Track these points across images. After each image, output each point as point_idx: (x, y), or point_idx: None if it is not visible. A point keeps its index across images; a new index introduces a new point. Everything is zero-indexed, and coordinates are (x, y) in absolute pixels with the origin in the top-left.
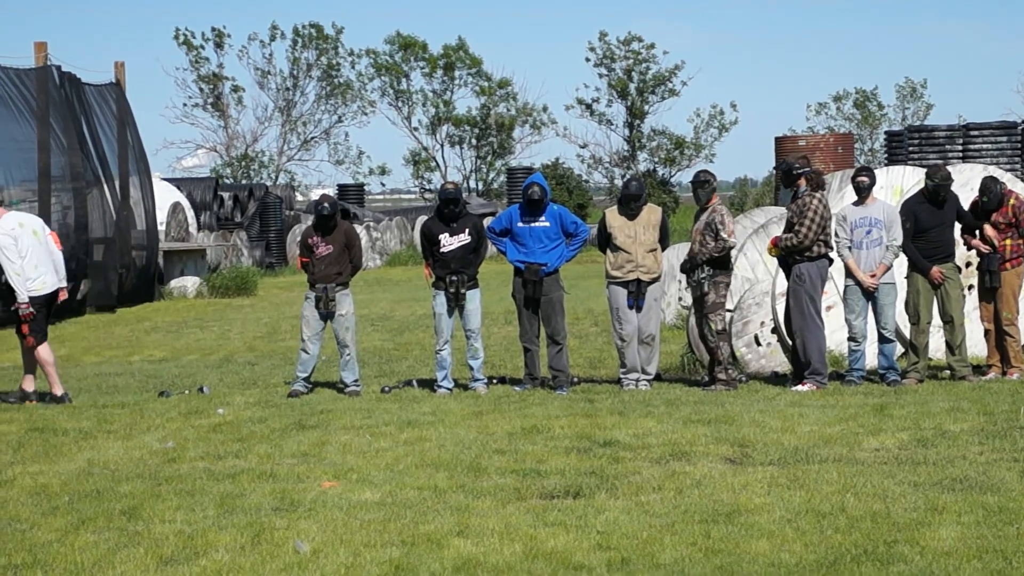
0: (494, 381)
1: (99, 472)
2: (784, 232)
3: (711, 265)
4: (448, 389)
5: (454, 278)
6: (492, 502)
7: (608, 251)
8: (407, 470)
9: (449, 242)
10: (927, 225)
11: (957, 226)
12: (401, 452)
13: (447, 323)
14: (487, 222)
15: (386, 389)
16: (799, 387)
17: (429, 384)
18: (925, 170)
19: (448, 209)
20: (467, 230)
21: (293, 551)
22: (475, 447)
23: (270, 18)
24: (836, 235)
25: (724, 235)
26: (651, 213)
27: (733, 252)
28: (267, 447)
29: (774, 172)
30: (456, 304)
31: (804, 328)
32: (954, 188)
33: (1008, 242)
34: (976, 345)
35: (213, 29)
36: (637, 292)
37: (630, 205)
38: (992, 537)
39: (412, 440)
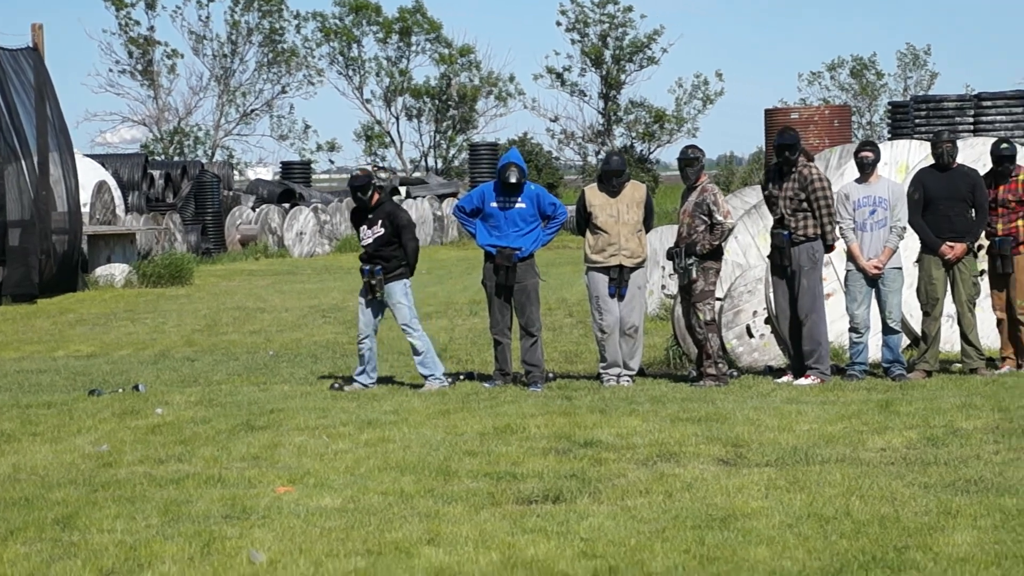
0: (460, 377)
1: (27, 478)
2: (789, 212)
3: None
4: (364, 384)
5: (366, 268)
6: (464, 508)
7: (588, 233)
8: (369, 474)
9: (367, 234)
10: (935, 195)
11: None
12: (362, 454)
13: (364, 316)
14: (452, 202)
15: (336, 386)
16: (802, 380)
17: (384, 380)
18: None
19: (357, 199)
20: (380, 221)
21: (248, 562)
22: (443, 448)
23: None
24: (838, 215)
25: (719, 216)
26: (635, 190)
27: None
28: (213, 450)
29: (786, 151)
30: (373, 297)
31: (815, 311)
32: (966, 164)
33: (1020, 223)
34: (988, 336)
35: None
36: (619, 279)
37: (611, 182)
38: (1011, 542)
39: (373, 441)
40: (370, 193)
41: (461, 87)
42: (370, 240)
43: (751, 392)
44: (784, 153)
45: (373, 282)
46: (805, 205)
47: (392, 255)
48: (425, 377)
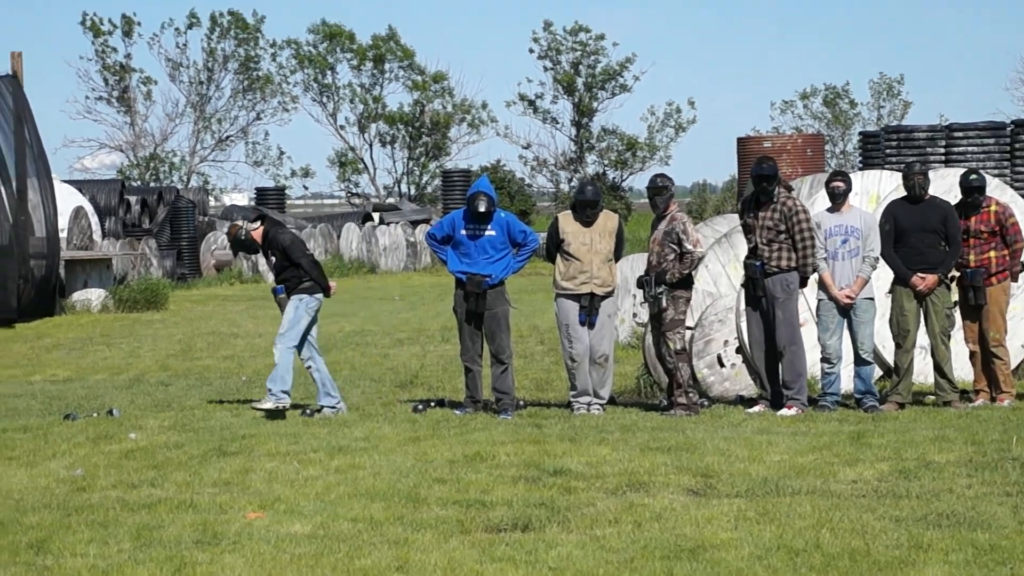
0: (431, 404)
1: (2, 502)
2: (764, 242)
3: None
4: (331, 407)
5: (275, 287)
6: (433, 535)
7: (559, 259)
8: (339, 500)
9: (269, 264)
10: (906, 227)
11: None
12: (332, 480)
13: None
14: (426, 228)
15: (308, 412)
16: (785, 411)
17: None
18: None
19: (249, 251)
20: (271, 251)
21: None
22: (413, 475)
23: (181, 5)
24: None
25: (689, 245)
26: (607, 220)
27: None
28: (185, 475)
29: (764, 183)
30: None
31: (795, 343)
32: (937, 195)
33: (992, 254)
34: (961, 368)
35: (123, 16)
36: (590, 307)
37: (585, 212)
38: None
39: (344, 468)
40: (248, 239)
41: (434, 114)
42: (272, 269)
43: (722, 422)
44: (762, 184)
45: (277, 301)
46: (783, 236)
47: (293, 275)
48: (268, 390)
